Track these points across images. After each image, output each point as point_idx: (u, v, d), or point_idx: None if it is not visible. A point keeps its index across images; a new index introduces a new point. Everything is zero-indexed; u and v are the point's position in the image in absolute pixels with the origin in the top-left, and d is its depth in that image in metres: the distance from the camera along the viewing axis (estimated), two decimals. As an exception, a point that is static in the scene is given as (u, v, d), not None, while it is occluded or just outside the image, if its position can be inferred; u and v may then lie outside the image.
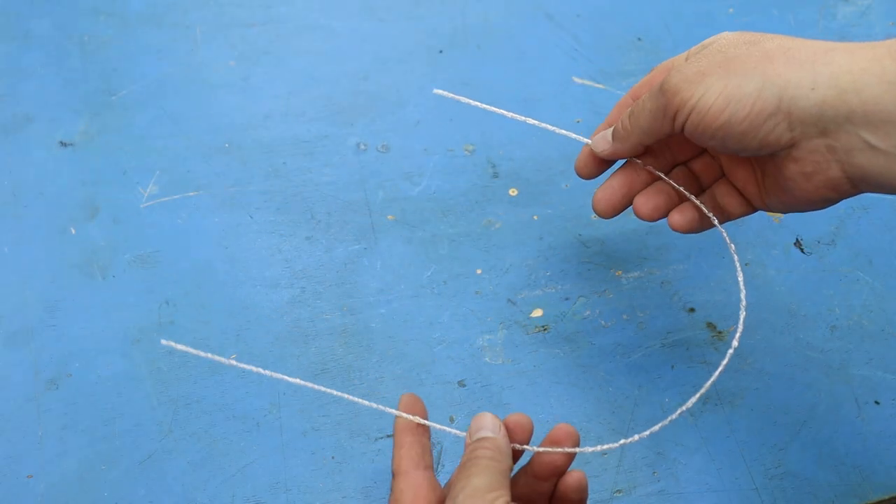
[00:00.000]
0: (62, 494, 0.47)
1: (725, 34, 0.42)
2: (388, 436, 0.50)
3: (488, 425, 0.41)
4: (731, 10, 0.70)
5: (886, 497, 0.49)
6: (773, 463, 0.50)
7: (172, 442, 0.49)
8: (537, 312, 0.55)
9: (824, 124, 0.38)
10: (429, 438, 0.43)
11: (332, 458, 0.49)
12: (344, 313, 0.55)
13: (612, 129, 0.46)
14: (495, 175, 0.61)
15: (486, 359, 0.53)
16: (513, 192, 0.60)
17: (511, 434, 0.41)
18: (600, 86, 0.66)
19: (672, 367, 0.53)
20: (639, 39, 0.68)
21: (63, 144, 0.61)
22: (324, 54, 0.67)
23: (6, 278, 0.55)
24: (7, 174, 0.59)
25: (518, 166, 0.61)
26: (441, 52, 0.67)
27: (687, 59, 0.43)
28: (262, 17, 0.68)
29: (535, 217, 0.59)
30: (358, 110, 0.64)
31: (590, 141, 0.48)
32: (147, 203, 0.58)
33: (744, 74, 0.39)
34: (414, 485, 0.40)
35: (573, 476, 0.41)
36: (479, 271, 0.57)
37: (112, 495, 0.48)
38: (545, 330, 0.54)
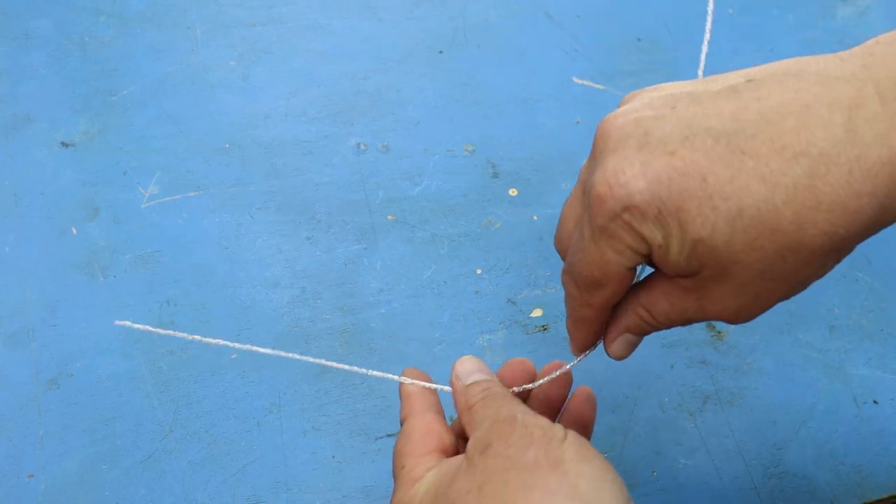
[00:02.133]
0: (63, 494, 0.47)
1: (722, 254, 0.31)
2: (389, 435, 0.50)
3: (476, 367, 0.38)
4: (730, 10, 0.70)
5: (885, 496, 0.49)
6: (772, 462, 0.50)
7: (173, 442, 0.49)
8: (537, 312, 0.55)
9: None
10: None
11: (333, 457, 0.50)
12: (344, 313, 0.55)
13: (629, 337, 0.38)
14: (495, 175, 0.61)
15: (486, 359, 0.53)
16: (513, 192, 0.60)
17: (512, 381, 0.40)
18: (600, 86, 0.66)
19: (672, 366, 0.53)
20: (638, 40, 0.68)
21: (63, 144, 0.61)
22: (324, 54, 0.67)
23: (7, 278, 0.55)
24: (7, 174, 0.59)
25: (518, 166, 0.61)
26: (441, 52, 0.67)
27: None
28: (263, 17, 0.68)
29: (535, 217, 0.59)
30: (358, 110, 0.64)
31: (613, 355, 0.39)
32: (147, 203, 0.58)
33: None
34: (425, 422, 0.38)
35: (580, 393, 0.40)
36: (479, 271, 0.57)
37: (113, 495, 0.48)
38: (545, 330, 0.55)
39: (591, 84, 0.66)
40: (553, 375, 0.40)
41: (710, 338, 0.55)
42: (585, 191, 0.34)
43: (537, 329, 0.55)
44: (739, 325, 0.55)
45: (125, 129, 0.62)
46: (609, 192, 0.31)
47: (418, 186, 0.60)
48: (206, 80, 0.64)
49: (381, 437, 0.50)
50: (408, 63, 0.67)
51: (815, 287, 0.56)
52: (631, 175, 0.31)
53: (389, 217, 0.59)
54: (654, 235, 0.31)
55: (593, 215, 0.32)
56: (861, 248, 0.58)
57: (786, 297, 0.33)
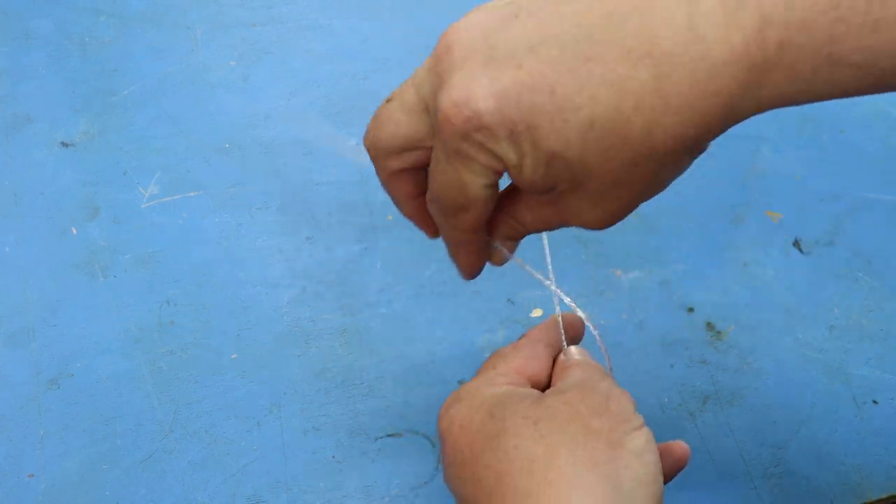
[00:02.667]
0: (63, 494, 0.47)
1: (576, 167, 0.31)
2: (389, 435, 0.50)
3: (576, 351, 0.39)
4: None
5: (885, 496, 0.49)
6: (771, 462, 0.50)
7: (173, 441, 0.49)
8: (537, 312, 0.55)
9: None
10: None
11: (333, 457, 0.50)
12: (344, 313, 0.55)
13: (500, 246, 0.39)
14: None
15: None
16: (512, 192, 0.60)
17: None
18: (600, 86, 0.66)
19: (671, 366, 0.53)
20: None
21: (64, 145, 0.61)
22: (324, 54, 0.67)
23: (7, 278, 0.55)
24: (8, 174, 0.59)
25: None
26: (441, 52, 0.67)
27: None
28: (263, 17, 0.68)
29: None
30: (358, 110, 0.64)
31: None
32: (148, 203, 0.58)
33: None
34: (537, 350, 0.38)
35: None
36: (478, 271, 0.57)
37: (113, 494, 0.48)
38: (545, 330, 0.55)
39: (590, 84, 0.66)
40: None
41: (710, 337, 0.55)
42: (431, 111, 0.32)
43: (537, 329, 0.55)
44: (739, 326, 0.55)
45: (125, 129, 0.62)
46: (458, 113, 0.30)
47: (418, 186, 0.60)
48: (206, 80, 0.65)
49: (381, 437, 0.50)
50: (408, 63, 0.67)
51: (815, 287, 0.57)
52: (480, 94, 0.30)
53: (389, 217, 0.59)
54: (508, 154, 0.31)
55: (445, 138, 0.31)
56: (861, 249, 0.58)
57: (644, 199, 0.33)
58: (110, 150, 0.61)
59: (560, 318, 0.40)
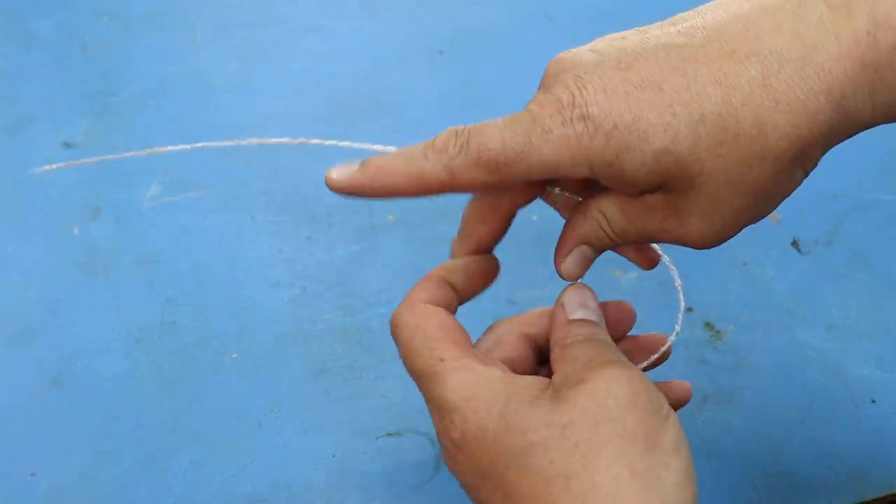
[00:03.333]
0: (65, 493, 0.48)
1: (688, 161, 0.30)
2: (389, 434, 0.51)
3: (585, 300, 0.35)
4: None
5: (883, 495, 0.49)
6: (770, 461, 0.50)
7: (174, 441, 0.50)
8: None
9: None
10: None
11: (333, 457, 0.50)
12: (344, 313, 0.55)
13: (584, 249, 0.36)
14: (495, 175, 0.61)
15: (486, 358, 0.54)
16: (512, 192, 0.60)
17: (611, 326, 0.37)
18: (599, 86, 0.66)
19: (670, 366, 0.53)
20: (638, 40, 0.69)
21: (65, 145, 0.61)
22: (324, 55, 0.67)
23: (9, 278, 0.55)
24: (9, 175, 0.59)
25: (517, 167, 0.61)
26: (441, 52, 0.68)
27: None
28: (263, 17, 0.69)
29: (535, 217, 0.60)
30: (358, 111, 0.64)
31: (565, 274, 0.37)
32: (149, 203, 0.59)
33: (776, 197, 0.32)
34: (445, 316, 0.35)
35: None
36: (478, 271, 0.57)
37: (114, 493, 0.48)
38: (544, 329, 0.55)
39: (590, 84, 0.66)
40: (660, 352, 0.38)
41: (709, 337, 0.55)
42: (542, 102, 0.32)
43: (537, 329, 0.55)
44: (738, 326, 0.55)
45: (127, 129, 0.62)
46: (570, 99, 0.30)
47: (418, 187, 0.60)
48: (206, 80, 0.65)
49: (382, 437, 0.50)
50: (408, 63, 0.67)
51: (814, 287, 0.57)
52: (591, 88, 0.30)
53: (390, 217, 0.59)
54: (603, 153, 0.31)
55: (545, 115, 0.31)
56: (859, 249, 0.59)
57: (754, 217, 0.32)
58: (112, 150, 0.61)
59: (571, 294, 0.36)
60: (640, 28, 0.33)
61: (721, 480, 0.50)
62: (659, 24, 0.33)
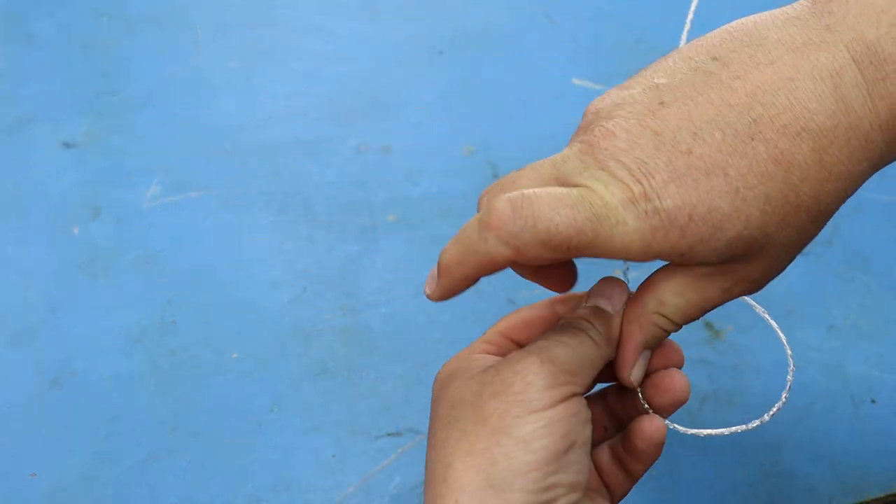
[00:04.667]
0: (65, 493, 0.48)
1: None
2: (389, 434, 0.51)
3: (614, 295, 0.35)
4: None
5: (883, 495, 0.49)
6: (769, 461, 0.50)
7: (174, 441, 0.50)
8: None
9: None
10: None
11: (333, 456, 0.50)
12: (344, 313, 0.55)
13: (646, 354, 0.35)
14: (495, 176, 0.61)
15: (486, 358, 0.54)
16: (512, 192, 0.60)
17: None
18: (600, 87, 0.66)
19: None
20: (638, 41, 0.69)
21: (66, 145, 0.61)
22: (325, 55, 0.67)
23: (9, 278, 0.55)
24: (10, 175, 0.59)
25: (518, 167, 0.61)
26: (441, 52, 0.68)
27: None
28: (264, 18, 0.69)
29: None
30: (359, 111, 0.64)
31: (635, 381, 0.35)
32: (149, 203, 0.59)
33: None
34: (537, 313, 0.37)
35: (652, 424, 0.35)
36: (478, 271, 0.57)
37: (114, 493, 0.48)
38: (544, 329, 0.55)
39: (590, 85, 0.66)
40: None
41: (709, 337, 0.55)
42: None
43: (537, 329, 0.55)
44: (737, 325, 0.55)
45: (127, 129, 0.62)
46: (641, 191, 0.30)
47: (419, 187, 0.60)
48: (207, 81, 0.65)
49: (382, 437, 0.51)
50: (408, 64, 0.67)
51: (814, 287, 0.57)
52: (658, 178, 0.30)
53: (390, 217, 0.59)
54: (677, 245, 0.31)
55: (617, 203, 0.30)
56: (859, 248, 0.59)
57: (795, 257, 0.34)
58: (112, 150, 0.61)
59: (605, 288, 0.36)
60: (669, 83, 0.32)
61: (720, 480, 0.50)
62: (685, 74, 0.32)
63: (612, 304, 0.35)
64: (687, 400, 0.36)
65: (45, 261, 0.56)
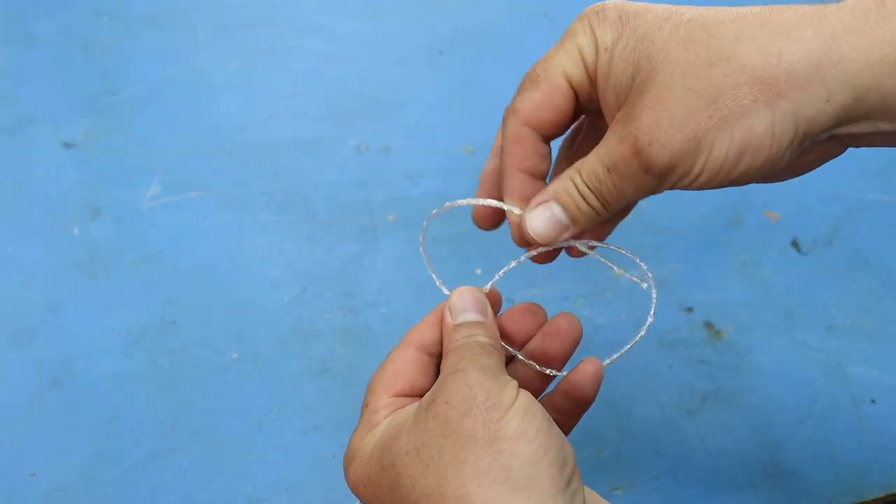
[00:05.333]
0: (65, 492, 0.48)
1: (659, 51, 0.32)
2: (389, 434, 0.51)
3: (471, 304, 0.36)
4: (729, 11, 0.70)
5: (882, 495, 0.49)
6: (770, 461, 0.50)
7: (174, 441, 0.50)
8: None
9: (838, 127, 0.33)
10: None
11: (333, 456, 0.50)
12: (345, 313, 0.55)
13: (554, 207, 0.36)
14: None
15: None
16: (512, 192, 0.60)
17: (516, 328, 0.37)
18: (599, 87, 0.66)
19: (670, 366, 0.54)
20: (638, 40, 0.69)
21: (66, 145, 0.61)
22: (325, 55, 0.67)
23: (10, 278, 0.55)
24: (10, 175, 0.59)
25: (517, 167, 0.62)
26: (441, 53, 0.68)
27: (625, 107, 0.33)
28: (264, 18, 0.69)
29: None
30: (359, 111, 0.64)
31: (529, 229, 0.36)
32: (149, 203, 0.59)
33: (746, 115, 0.31)
34: (402, 358, 0.36)
35: (586, 367, 0.36)
36: (478, 271, 0.57)
37: (114, 493, 0.48)
38: (544, 329, 0.55)
39: (590, 85, 0.66)
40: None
41: (709, 337, 0.55)
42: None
43: (537, 329, 0.55)
44: (738, 325, 0.55)
45: (127, 129, 0.62)
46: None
47: (419, 187, 0.60)
48: (207, 81, 0.65)
49: (382, 436, 0.51)
50: (408, 64, 0.67)
51: (813, 287, 0.57)
52: None
53: (390, 217, 0.59)
54: (605, 36, 0.34)
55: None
56: (859, 249, 0.59)
57: (701, 125, 0.32)
58: (112, 150, 0.61)
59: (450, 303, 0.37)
60: None
61: (721, 480, 0.50)
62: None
63: (479, 313, 0.36)
64: (580, 335, 0.38)
65: (45, 261, 0.56)
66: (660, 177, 0.33)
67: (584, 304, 0.56)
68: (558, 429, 0.32)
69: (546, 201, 0.36)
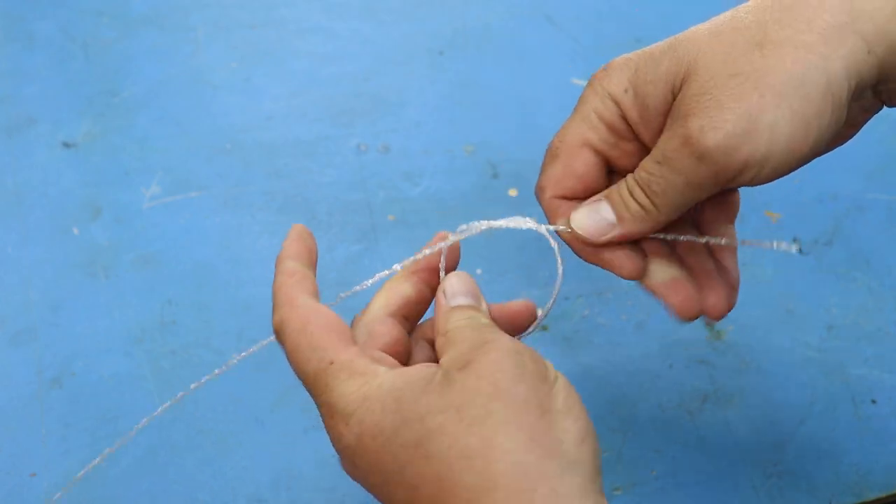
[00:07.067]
0: (65, 492, 0.48)
1: (689, 51, 0.34)
2: (389, 434, 0.51)
3: (465, 288, 0.36)
4: (729, 11, 0.70)
5: (883, 495, 0.49)
6: (770, 461, 0.50)
7: (174, 441, 0.50)
8: (537, 312, 0.55)
9: (880, 84, 0.34)
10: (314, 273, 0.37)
11: (334, 456, 0.50)
12: (345, 313, 0.55)
13: (602, 206, 0.37)
14: (495, 176, 0.61)
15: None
16: (512, 192, 0.61)
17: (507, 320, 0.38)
18: (599, 87, 0.66)
19: (670, 366, 0.54)
20: (638, 41, 0.69)
21: (66, 145, 0.61)
22: (325, 56, 0.67)
23: (10, 278, 0.55)
24: (10, 175, 0.59)
25: (518, 167, 0.62)
26: (441, 53, 0.68)
27: (683, 113, 0.33)
28: (264, 18, 0.69)
29: (535, 218, 0.60)
30: (359, 111, 0.64)
31: (570, 227, 0.38)
32: (149, 203, 0.59)
33: (801, 84, 0.31)
34: (328, 313, 0.34)
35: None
36: (479, 271, 0.57)
37: (114, 493, 0.48)
38: (545, 329, 0.55)
39: (590, 85, 0.66)
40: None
41: (709, 337, 0.55)
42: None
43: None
44: (738, 325, 0.55)
45: (127, 129, 0.62)
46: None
47: (418, 187, 0.61)
48: (207, 81, 0.65)
49: (382, 436, 0.51)
50: (408, 64, 0.67)
51: (814, 287, 0.57)
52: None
53: (390, 217, 0.59)
54: (619, 82, 0.35)
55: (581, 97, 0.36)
56: (859, 249, 0.59)
57: (754, 104, 0.32)
58: (112, 150, 0.61)
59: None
60: None
61: (721, 480, 0.50)
62: None
63: (472, 297, 0.36)
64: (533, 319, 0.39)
65: (45, 261, 0.56)
66: (716, 164, 0.32)
67: (585, 303, 0.56)
68: None
69: (597, 200, 0.37)
